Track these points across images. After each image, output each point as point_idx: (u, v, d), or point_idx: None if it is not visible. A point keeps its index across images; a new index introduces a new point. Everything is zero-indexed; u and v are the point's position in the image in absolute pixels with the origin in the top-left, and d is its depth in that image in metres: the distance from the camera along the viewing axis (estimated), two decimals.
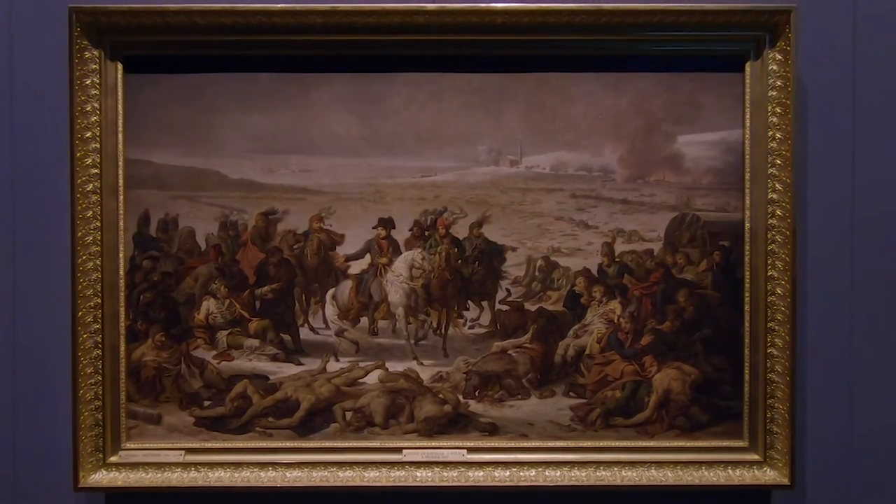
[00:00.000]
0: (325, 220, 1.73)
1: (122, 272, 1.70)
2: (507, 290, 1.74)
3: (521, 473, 1.69)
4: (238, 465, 1.69)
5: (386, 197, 1.73)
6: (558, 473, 1.68)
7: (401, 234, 1.73)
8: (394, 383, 1.72)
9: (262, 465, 1.68)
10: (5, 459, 1.73)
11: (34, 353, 1.73)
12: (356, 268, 1.74)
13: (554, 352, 1.74)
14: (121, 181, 1.70)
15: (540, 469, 1.69)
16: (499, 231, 1.74)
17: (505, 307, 1.74)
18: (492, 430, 1.72)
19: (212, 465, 1.69)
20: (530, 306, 1.74)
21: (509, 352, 1.73)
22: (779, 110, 1.70)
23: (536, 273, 1.74)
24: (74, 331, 1.65)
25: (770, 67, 1.70)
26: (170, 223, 1.71)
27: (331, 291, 1.73)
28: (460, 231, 1.74)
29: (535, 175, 1.74)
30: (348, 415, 1.72)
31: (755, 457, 1.71)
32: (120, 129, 1.69)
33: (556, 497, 1.72)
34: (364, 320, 1.74)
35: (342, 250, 1.73)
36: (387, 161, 1.72)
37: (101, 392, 1.68)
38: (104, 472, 1.68)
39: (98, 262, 1.67)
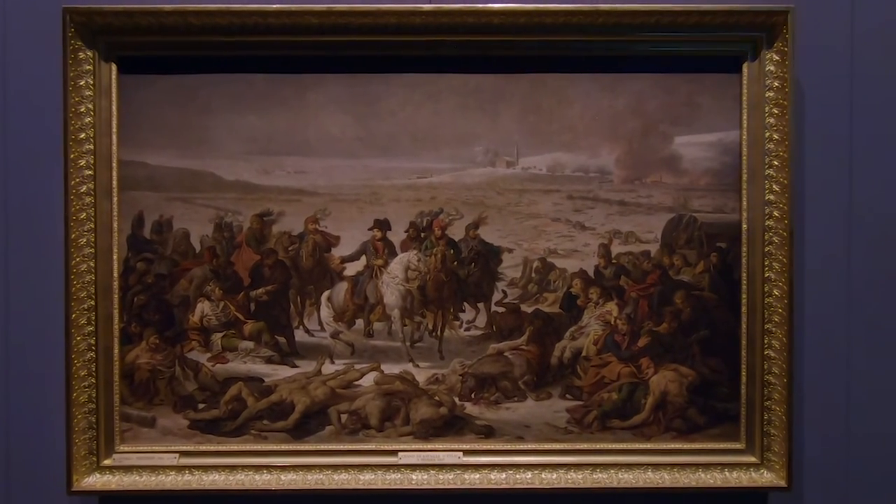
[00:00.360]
0: (320, 222, 1.71)
1: (115, 274, 1.69)
2: (504, 291, 1.73)
3: (518, 476, 1.68)
4: (232, 468, 1.67)
5: (382, 198, 1.71)
6: (555, 476, 1.67)
7: (396, 235, 1.72)
8: (389, 385, 1.71)
9: (257, 468, 1.67)
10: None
11: (27, 355, 1.72)
12: (351, 269, 1.73)
13: (550, 354, 1.72)
14: (115, 182, 1.68)
15: (536, 472, 1.68)
16: (495, 232, 1.73)
17: (501, 309, 1.73)
18: (488, 432, 1.71)
19: (206, 468, 1.67)
20: (526, 308, 1.73)
21: (505, 354, 1.72)
22: (776, 111, 1.69)
23: (533, 275, 1.73)
24: (68, 333, 1.64)
25: (767, 68, 1.69)
26: (164, 225, 1.70)
27: (326, 293, 1.72)
28: (456, 232, 1.73)
29: (531, 176, 1.73)
30: (343, 417, 1.70)
31: (752, 459, 1.70)
32: (114, 130, 1.68)
33: (552, 500, 1.71)
34: (359, 322, 1.72)
35: (337, 252, 1.72)
36: (382, 162, 1.71)
37: (94, 395, 1.67)
38: (98, 476, 1.66)
39: (92, 264, 1.66)
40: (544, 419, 1.71)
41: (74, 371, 1.64)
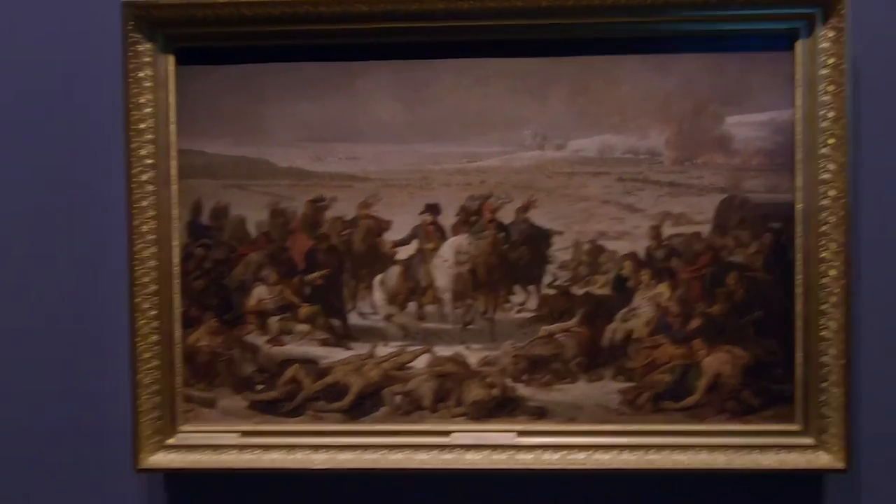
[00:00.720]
0: (372, 207, 1.69)
1: (176, 260, 1.69)
2: (554, 274, 1.68)
3: (571, 457, 1.63)
4: (291, 447, 1.67)
5: (432, 183, 1.68)
6: (608, 457, 1.63)
7: (447, 219, 1.69)
8: (441, 367, 1.68)
9: (315, 448, 1.66)
10: (68, 443, 1.74)
11: (94, 339, 1.73)
12: (403, 253, 1.70)
13: (601, 336, 1.67)
14: (175, 171, 1.68)
15: (589, 452, 1.64)
16: (545, 215, 1.68)
17: (552, 291, 1.68)
18: (540, 413, 1.67)
19: (266, 448, 1.67)
20: (577, 290, 1.68)
21: (556, 336, 1.68)
22: (831, 89, 1.60)
23: (583, 257, 1.67)
24: (132, 317, 1.64)
25: (822, 45, 1.60)
26: (221, 212, 1.69)
27: (379, 277, 1.69)
28: (506, 216, 1.68)
29: (580, 159, 1.67)
30: (397, 398, 1.68)
31: (809, 441, 1.63)
32: (173, 120, 1.67)
33: (605, 480, 1.67)
34: (412, 305, 1.69)
35: (389, 236, 1.69)
36: (432, 147, 1.68)
37: (159, 377, 1.67)
38: (163, 454, 1.67)
39: (154, 251, 1.66)
40: (596, 400, 1.67)
41: (139, 354, 1.65)
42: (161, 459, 1.67)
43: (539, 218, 1.68)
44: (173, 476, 1.71)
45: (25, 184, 1.73)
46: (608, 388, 1.67)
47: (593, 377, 1.67)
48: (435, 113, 1.67)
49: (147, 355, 1.66)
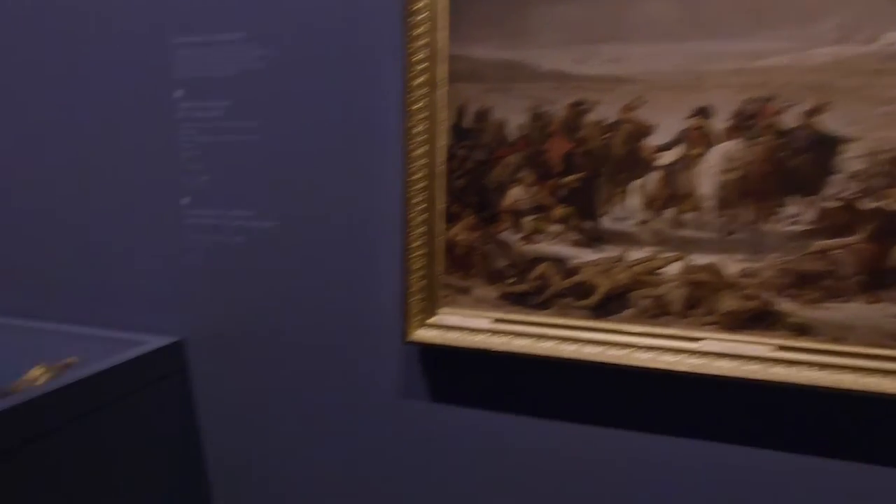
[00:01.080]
0: (635, 111, 1.58)
1: (441, 159, 1.75)
2: (841, 185, 1.47)
3: (836, 377, 1.50)
4: (539, 336, 1.73)
5: (704, 84, 1.52)
6: (887, 381, 1.46)
7: (718, 123, 1.53)
8: (695, 276, 1.60)
9: (562, 340, 1.70)
10: (346, 319, 1.96)
11: (371, 227, 1.89)
12: (665, 159, 1.59)
13: (889, 255, 1.46)
14: (443, 76, 1.71)
15: (858, 375, 1.48)
16: (837, 120, 1.45)
17: (834, 204, 1.48)
18: (801, 330, 1.54)
19: (516, 335, 1.75)
20: (866, 204, 1.46)
21: (832, 252, 1.49)
22: None
23: (879, 168, 1.44)
24: (405, 209, 1.76)
25: None
26: (483, 115, 1.70)
27: (637, 181, 1.61)
28: (789, 120, 1.49)
29: (891, 54, 1.40)
30: (645, 302, 1.64)
31: None
32: (443, 26, 1.68)
33: (872, 405, 1.51)
34: (669, 212, 1.60)
35: (652, 141, 1.59)
36: (708, 45, 1.50)
37: (424, 263, 1.80)
38: (425, 331, 1.83)
39: (425, 149, 1.73)
40: (872, 322, 1.48)
41: (409, 242, 1.79)
42: (424, 335, 1.83)
43: (830, 122, 1.46)
44: (431, 350, 1.88)
45: (315, 90, 1.88)
46: (888, 311, 1.47)
47: (872, 298, 1.48)
48: (713, 5, 1.48)
49: (416, 244, 1.79)
